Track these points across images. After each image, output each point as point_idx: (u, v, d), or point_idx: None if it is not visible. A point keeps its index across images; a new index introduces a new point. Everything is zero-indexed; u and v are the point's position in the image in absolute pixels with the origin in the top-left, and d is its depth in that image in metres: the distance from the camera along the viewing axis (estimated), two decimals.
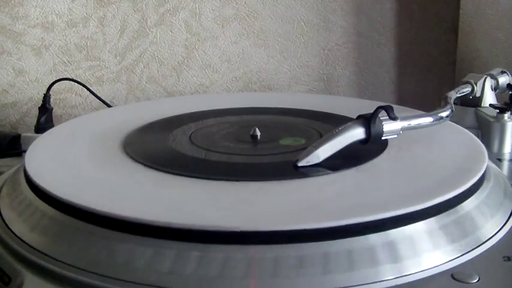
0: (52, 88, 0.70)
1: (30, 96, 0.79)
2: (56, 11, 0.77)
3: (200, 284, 0.30)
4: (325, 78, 0.89)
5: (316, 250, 0.31)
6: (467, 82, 0.61)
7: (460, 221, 0.36)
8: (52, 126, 0.67)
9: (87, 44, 0.79)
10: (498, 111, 0.56)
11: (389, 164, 0.43)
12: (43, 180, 0.39)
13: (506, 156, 0.55)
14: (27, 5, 0.76)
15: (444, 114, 0.48)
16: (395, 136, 0.44)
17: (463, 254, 0.34)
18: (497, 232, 0.37)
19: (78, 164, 0.44)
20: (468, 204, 0.37)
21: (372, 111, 0.43)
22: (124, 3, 0.80)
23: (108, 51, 0.80)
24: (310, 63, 0.87)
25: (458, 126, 0.52)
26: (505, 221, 0.38)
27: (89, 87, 0.74)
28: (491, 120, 0.56)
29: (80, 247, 0.33)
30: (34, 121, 0.68)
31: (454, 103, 0.52)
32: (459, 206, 0.37)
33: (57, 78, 0.72)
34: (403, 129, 0.44)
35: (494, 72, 0.63)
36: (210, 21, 0.83)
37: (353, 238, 0.32)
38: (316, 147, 0.42)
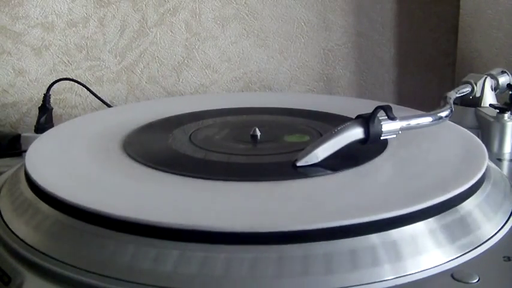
0: (52, 88, 0.70)
1: (30, 96, 0.79)
2: (56, 11, 0.77)
3: (202, 284, 0.30)
4: (325, 78, 0.89)
5: (316, 250, 0.31)
6: (467, 82, 0.61)
7: (460, 221, 0.36)
8: (52, 126, 0.67)
9: (87, 44, 0.79)
10: (498, 111, 0.56)
11: (389, 164, 0.43)
12: (43, 180, 0.39)
13: (506, 156, 0.55)
14: (27, 5, 0.76)
15: (444, 114, 0.48)
16: (394, 136, 0.44)
17: (463, 254, 0.34)
18: (497, 232, 0.37)
19: (78, 164, 0.44)
20: (468, 204, 0.37)
21: (371, 111, 0.43)
22: (124, 3, 0.80)
23: (108, 51, 0.80)
24: (310, 63, 0.87)
25: (458, 126, 0.52)
26: (505, 221, 0.38)
27: (89, 87, 0.74)
28: (491, 120, 0.56)
29: (79, 247, 0.33)
30: (34, 121, 0.68)
31: (454, 103, 0.52)
32: (459, 206, 0.37)
33: (57, 78, 0.72)
34: (402, 129, 0.44)
35: (494, 72, 0.63)
36: (210, 21, 0.83)
37: (353, 238, 0.32)
38: (315, 147, 0.42)
